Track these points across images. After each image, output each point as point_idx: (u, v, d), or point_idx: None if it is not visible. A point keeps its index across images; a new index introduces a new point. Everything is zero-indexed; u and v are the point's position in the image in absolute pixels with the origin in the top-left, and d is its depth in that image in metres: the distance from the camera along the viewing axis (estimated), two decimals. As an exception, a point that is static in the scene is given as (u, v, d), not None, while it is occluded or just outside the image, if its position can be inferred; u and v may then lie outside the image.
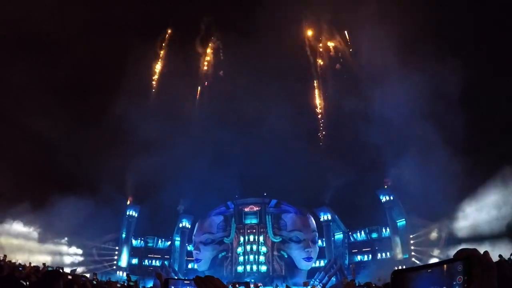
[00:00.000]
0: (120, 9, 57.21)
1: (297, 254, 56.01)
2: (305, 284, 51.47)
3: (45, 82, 48.42)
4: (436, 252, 46.86)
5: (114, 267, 56.21)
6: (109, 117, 52.62)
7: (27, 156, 45.52)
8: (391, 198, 53.95)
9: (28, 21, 46.19)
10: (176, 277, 44.05)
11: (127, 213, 58.79)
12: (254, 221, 58.15)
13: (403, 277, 1.56)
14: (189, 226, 61.66)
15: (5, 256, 27.98)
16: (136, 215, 59.48)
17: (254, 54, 58.53)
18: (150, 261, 61.18)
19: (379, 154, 53.64)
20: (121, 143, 55.66)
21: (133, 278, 34.71)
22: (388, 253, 54.96)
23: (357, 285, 31.75)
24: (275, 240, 56.67)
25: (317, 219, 59.39)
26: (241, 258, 56.58)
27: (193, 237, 59.75)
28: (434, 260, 45.07)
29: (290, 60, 66.31)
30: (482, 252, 1.52)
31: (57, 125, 48.03)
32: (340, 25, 70.29)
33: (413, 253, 50.67)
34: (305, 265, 56.44)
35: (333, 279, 52.32)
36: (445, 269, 1.47)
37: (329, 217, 59.13)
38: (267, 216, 57.76)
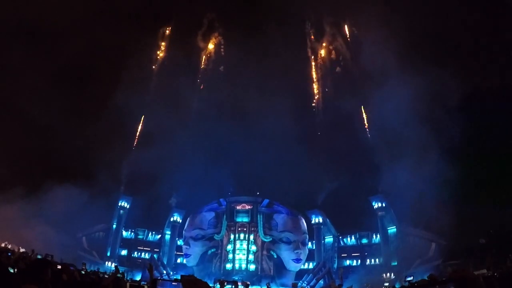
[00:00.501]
0: (122, 2, 56.98)
1: (286, 255, 56.07)
2: (294, 285, 51.61)
3: (43, 70, 48.17)
4: (425, 261, 47.03)
5: (103, 257, 56.04)
6: (106, 108, 52.52)
7: (21, 143, 45.33)
8: (384, 205, 54.12)
9: (29, 9, 45.91)
10: (164, 271, 43.80)
11: (119, 204, 58.61)
12: (246, 219, 58.14)
13: None
14: (180, 221, 61.57)
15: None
16: (127, 206, 59.34)
17: (254, 51, 58.65)
18: (139, 253, 61.07)
19: (373, 159, 53.95)
20: (117, 133, 55.59)
21: (121, 269, 34.67)
22: (377, 259, 55.18)
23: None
24: (265, 240, 56.71)
25: (308, 221, 59.52)
26: (230, 256, 56.57)
27: (183, 232, 59.67)
28: (422, 269, 45.45)
29: (290, 61, 66.38)
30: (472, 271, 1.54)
31: (54, 113, 47.87)
32: (342, 26, 70.53)
33: (402, 261, 50.79)
34: (293, 266, 56.52)
35: (321, 282, 52.45)
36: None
37: (321, 220, 59.27)
38: (258, 215, 57.75)
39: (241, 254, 56.60)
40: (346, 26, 70.36)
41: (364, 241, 58.31)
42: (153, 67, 71.31)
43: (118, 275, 21.46)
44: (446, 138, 43.02)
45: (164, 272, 53.61)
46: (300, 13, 69.59)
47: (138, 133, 64.94)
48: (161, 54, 72.42)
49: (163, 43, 73.08)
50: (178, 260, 61.30)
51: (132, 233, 61.87)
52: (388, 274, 49.98)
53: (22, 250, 25.14)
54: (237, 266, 55.86)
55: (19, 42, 46.49)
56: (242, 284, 37.38)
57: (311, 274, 53.81)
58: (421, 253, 49.94)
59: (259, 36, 59.21)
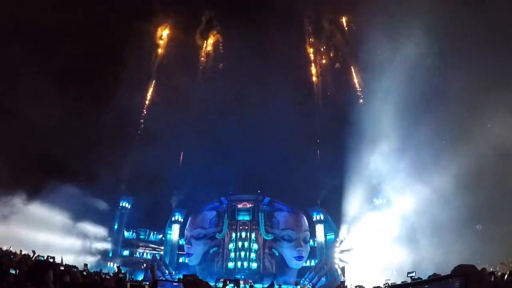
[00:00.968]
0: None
1: (288, 252, 56.16)
2: (297, 283, 51.68)
3: (41, 70, 48.05)
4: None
5: (105, 258, 56.07)
6: (105, 107, 52.47)
7: (20, 144, 45.25)
8: (384, 201, 54.01)
9: (26, 8, 45.76)
10: (167, 271, 43.89)
11: (120, 204, 58.66)
12: (247, 217, 58.24)
13: None
14: (182, 220, 61.65)
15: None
16: (129, 206, 59.38)
17: (253, 49, 58.47)
18: (141, 254, 61.15)
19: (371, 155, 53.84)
20: (117, 133, 55.51)
21: (124, 269, 34.68)
22: (379, 256, 55.15)
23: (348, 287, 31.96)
24: (267, 238, 56.78)
25: (309, 218, 59.54)
26: (232, 254, 56.68)
27: (185, 231, 59.75)
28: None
29: (290, 58, 66.37)
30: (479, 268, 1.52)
31: (52, 113, 47.78)
32: (341, 21, 70.43)
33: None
34: (295, 264, 56.61)
35: (323, 279, 52.56)
36: (442, 284, 1.47)
37: (322, 217, 59.28)
38: (260, 214, 57.85)
39: (243, 252, 56.72)
40: (344, 21, 70.31)
41: (366, 237, 58.31)
42: (153, 66, 71.24)
43: (120, 275, 21.50)
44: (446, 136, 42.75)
45: (167, 271, 53.73)
46: (300, 9, 69.55)
47: (137, 132, 64.90)
48: (160, 52, 72.31)
49: (161, 42, 72.96)
50: (180, 260, 61.39)
51: (134, 233, 61.94)
52: (390, 270, 49.94)
53: (24, 252, 25.10)
54: (239, 264, 55.97)
55: (17, 43, 46.32)
56: (245, 283, 37.53)
57: (313, 272, 53.91)
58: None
59: (258, 33, 59.06)
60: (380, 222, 44.31)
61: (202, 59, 74.40)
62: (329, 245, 60.13)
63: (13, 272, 10.70)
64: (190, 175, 56.43)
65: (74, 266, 19.56)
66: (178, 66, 66.46)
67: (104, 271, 34.75)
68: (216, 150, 60.64)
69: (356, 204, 49.60)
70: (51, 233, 45.44)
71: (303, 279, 54.49)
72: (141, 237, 62.28)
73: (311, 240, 58.81)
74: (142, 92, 66.46)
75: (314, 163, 58.38)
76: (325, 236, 60.30)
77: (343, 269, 48.71)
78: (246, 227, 57.78)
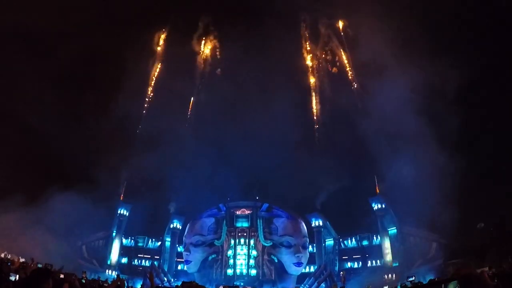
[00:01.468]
0: (118, 5, 56.95)
1: (287, 259, 55.91)
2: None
3: (41, 76, 48.14)
4: (427, 261, 46.98)
5: (104, 265, 55.81)
6: (104, 113, 52.49)
7: (20, 150, 45.21)
8: (383, 206, 54.10)
9: (26, 13, 45.91)
10: (165, 278, 43.65)
11: (118, 211, 58.42)
12: (245, 224, 58.03)
13: None
14: (180, 227, 61.41)
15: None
16: (127, 214, 59.11)
17: (251, 54, 58.61)
18: (139, 261, 60.86)
19: (372, 161, 53.98)
20: (116, 140, 55.45)
21: (122, 277, 34.50)
22: (378, 261, 55.12)
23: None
24: (265, 244, 56.56)
25: (308, 224, 59.42)
26: (231, 261, 56.41)
27: (183, 238, 59.50)
28: (423, 269, 45.43)
29: (288, 61, 66.60)
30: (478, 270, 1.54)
31: (52, 120, 47.79)
32: (337, 25, 70.82)
33: (403, 262, 50.74)
34: (295, 270, 56.37)
35: (323, 285, 52.38)
36: None
37: (321, 223, 59.18)
38: (258, 220, 57.65)
39: (242, 259, 56.47)
40: (341, 24, 70.72)
41: (365, 242, 58.24)
42: (151, 71, 71.38)
43: (119, 283, 21.38)
44: (445, 136, 42.98)
45: (165, 279, 53.45)
46: (297, 13, 70.00)
47: (136, 140, 64.84)
48: (158, 58, 72.49)
49: (159, 48, 73.17)
50: (179, 267, 61.04)
51: (132, 241, 61.66)
52: (389, 275, 49.90)
53: (22, 260, 25.00)
54: (238, 271, 55.71)
55: (16, 48, 46.42)
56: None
57: (312, 278, 53.74)
58: (422, 253, 49.91)
59: (256, 38, 59.26)
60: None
61: (200, 64, 74.59)
62: (328, 251, 60.04)
63: (13, 278, 10.66)
64: (188, 182, 56.23)
65: (73, 274, 19.46)
66: (176, 72, 66.64)
67: (102, 278, 34.60)
68: (214, 156, 60.54)
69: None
70: (49, 240, 45.26)
71: (302, 285, 54.31)
72: (139, 244, 61.99)
73: (310, 246, 58.64)
74: (141, 98, 66.54)
75: (313, 169, 58.29)
76: (324, 241, 60.20)
77: (343, 275, 48.63)
78: (245, 234, 57.58)
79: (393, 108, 48.20)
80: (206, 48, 75.39)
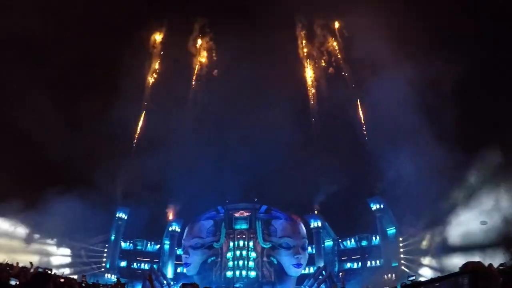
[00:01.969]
0: (112, 8, 56.87)
1: (286, 260, 55.86)
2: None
3: (36, 81, 48.07)
4: (426, 260, 46.97)
5: (103, 269, 55.70)
6: (101, 117, 52.32)
7: (17, 155, 45.07)
8: (382, 206, 54.14)
9: (19, 19, 45.77)
10: (165, 281, 43.62)
11: (117, 215, 58.31)
12: (244, 226, 57.97)
13: None
14: (179, 230, 61.32)
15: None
16: (125, 217, 59.00)
17: (248, 55, 58.59)
18: (138, 264, 60.75)
19: (369, 161, 54.05)
20: (112, 143, 55.40)
21: (122, 280, 34.48)
22: (378, 261, 55.10)
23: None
24: (265, 246, 56.52)
25: (307, 226, 59.44)
26: (230, 263, 56.29)
27: (182, 241, 59.40)
28: (424, 269, 45.43)
29: (285, 62, 66.60)
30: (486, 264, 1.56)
31: (48, 124, 47.64)
32: (333, 20, 71.01)
33: (403, 261, 50.79)
34: (294, 272, 56.32)
35: (323, 286, 52.36)
36: (451, 282, 1.51)
37: (319, 224, 59.23)
38: (257, 222, 57.61)
39: (241, 261, 56.38)
40: (337, 24, 70.88)
41: (364, 243, 58.26)
42: (147, 74, 71.28)
43: (119, 286, 21.38)
44: (445, 136, 42.98)
45: (165, 282, 53.36)
46: (292, 14, 70.16)
47: (133, 143, 64.78)
48: (155, 60, 72.42)
49: (155, 50, 73.15)
50: (178, 270, 60.89)
51: (131, 244, 61.57)
52: (389, 275, 49.94)
53: (21, 265, 24.88)
54: (237, 273, 55.57)
55: (10, 54, 46.32)
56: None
57: (312, 279, 53.73)
58: (422, 253, 49.89)
59: (252, 39, 59.23)
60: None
61: (197, 66, 74.60)
62: (327, 252, 60.04)
63: (13, 283, 10.63)
64: (186, 185, 56.13)
65: (73, 278, 19.40)
66: (172, 74, 66.58)
67: (102, 282, 34.53)
68: (212, 159, 60.53)
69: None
70: (47, 243, 45.19)
71: (302, 286, 54.31)
72: (138, 247, 61.92)
73: (309, 247, 58.64)
74: (138, 101, 66.46)
75: (311, 171, 58.27)
76: (323, 242, 60.22)
77: (343, 276, 48.64)
78: (244, 236, 57.51)
79: (391, 107, 48.22)
80: (202, 50, 75.49)
